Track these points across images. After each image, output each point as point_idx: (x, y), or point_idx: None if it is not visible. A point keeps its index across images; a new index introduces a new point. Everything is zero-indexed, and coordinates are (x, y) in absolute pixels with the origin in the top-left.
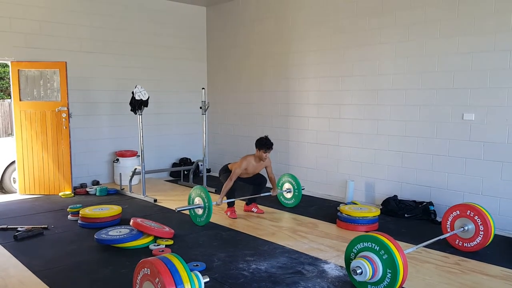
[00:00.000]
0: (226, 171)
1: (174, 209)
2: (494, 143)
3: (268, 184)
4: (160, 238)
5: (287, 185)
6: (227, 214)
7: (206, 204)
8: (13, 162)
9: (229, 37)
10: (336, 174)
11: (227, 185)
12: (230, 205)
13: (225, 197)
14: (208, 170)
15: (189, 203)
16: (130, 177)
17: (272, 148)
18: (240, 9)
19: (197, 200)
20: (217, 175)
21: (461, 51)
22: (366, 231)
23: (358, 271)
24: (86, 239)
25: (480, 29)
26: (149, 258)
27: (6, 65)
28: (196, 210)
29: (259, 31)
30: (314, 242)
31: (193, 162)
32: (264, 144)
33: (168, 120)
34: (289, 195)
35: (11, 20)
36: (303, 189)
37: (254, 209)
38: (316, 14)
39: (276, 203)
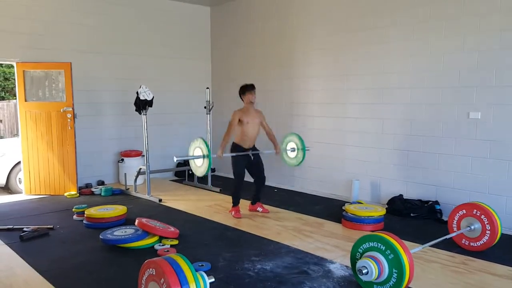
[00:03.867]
0: (233, 149)
1: (173, 159)
2: (500, 141)
3: (270, 147)
4: (165, 238)
5: (291, 144)
6: (231, 214)
7: (205, 154)
8: (18, 163)
9: (233, 36)
10: (341, 173)
11: (226, 135)
12: (235, 204)
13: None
14: (213, 170)
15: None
16: (135, 177)
17: (255, 87)
18: (244, 8)
19: (197, 152)
20: (221, 174)
21: (467, 49)
22: (372, 231)
23: (364, 271)
24: (91, 239)
25: (485, 27)
26: (154, 259)
27: (12, 66)
28: (195, 161)
29: (263, 30)
30: (319, 242)
31: None
32: (246, 86)
33: (172, 120)
34: (292, 154)
35: (15, 21)
36: (308, 149)
37: (259, 209)
38: (320, 12)
39: (283, 202)
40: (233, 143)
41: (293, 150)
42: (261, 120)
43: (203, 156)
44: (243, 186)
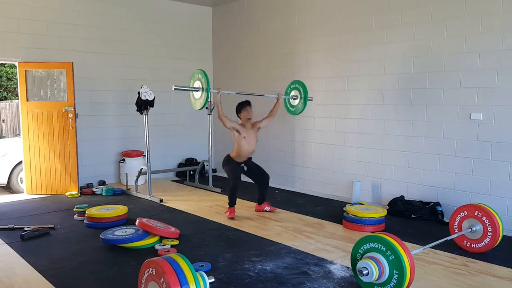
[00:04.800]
0: (228, 161)
1: (172, 87)
2: (502, 142)
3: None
4: (166, 238)
5: (294, 92)
6: (226, 214)
7: (204, 87)
8: (20, 162)
9: (235, 37)
10: (342, 175)
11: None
12: (231, 205)
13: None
14: (214, 170)
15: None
16: (136, 177)
17: (250, 103)
18: (246, 9)
19: (197, 84)
20: (222, 175)
21: (468, 50)
22: (373, 232)
23: (364, 272)
24: (92, 239)
25: (487, 28)
26: (154, 258)
27: (14, 66)
28: (194, 93)
29: (265, 31)
30: (320, 243)
31: (199, 162)
32: (242, 103)
33: (174, 120)
34: (295, 102)
35: (18, 21)
36: (311, 99)
37: (267, 208)
38: (322, 14)
39: (284, 203)
40: (229, 156)
41: (295, 98)
42: (258, 126)
43: (202, 89)
44: (239, 187)
